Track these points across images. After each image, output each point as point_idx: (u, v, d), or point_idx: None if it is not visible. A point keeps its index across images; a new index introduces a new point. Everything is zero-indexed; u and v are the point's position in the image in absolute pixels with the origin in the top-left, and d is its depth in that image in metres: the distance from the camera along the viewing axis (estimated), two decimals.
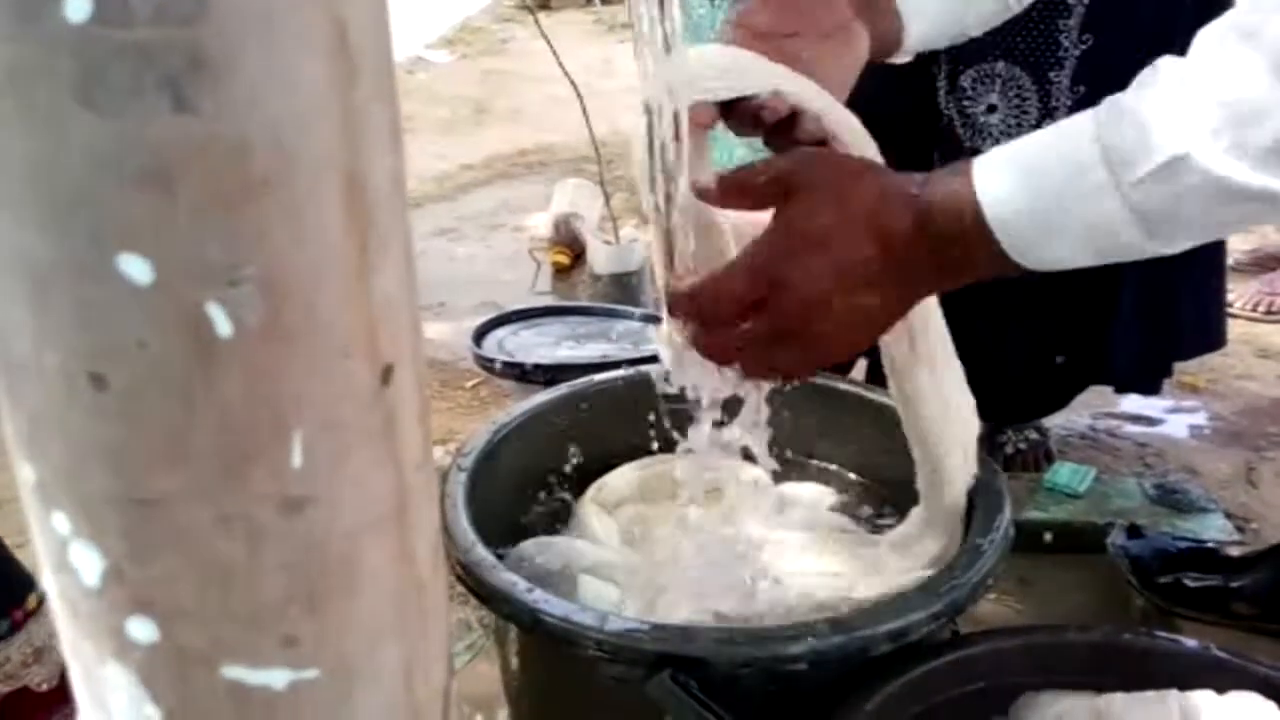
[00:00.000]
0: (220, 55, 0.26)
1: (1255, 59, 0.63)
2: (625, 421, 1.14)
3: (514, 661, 0.97)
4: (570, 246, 2.48)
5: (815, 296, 0.73)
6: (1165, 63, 0.68)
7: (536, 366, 1.56)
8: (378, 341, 0.31)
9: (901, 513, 1.02)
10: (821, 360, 0.78)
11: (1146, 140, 0.64)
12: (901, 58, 0.95)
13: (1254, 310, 2.12)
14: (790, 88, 0.80)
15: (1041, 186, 0.68)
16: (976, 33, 0.99)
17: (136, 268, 0.27)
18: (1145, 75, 0.68)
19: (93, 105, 0.25)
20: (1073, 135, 0.68)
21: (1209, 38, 0.67)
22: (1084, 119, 0.68)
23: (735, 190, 0.77)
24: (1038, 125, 1.33)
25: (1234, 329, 2.00)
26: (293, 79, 0.27)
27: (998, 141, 1.34)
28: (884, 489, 1.13)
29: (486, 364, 1.62)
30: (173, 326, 0.27)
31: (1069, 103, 1.31)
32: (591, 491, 1.11)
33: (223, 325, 0.27)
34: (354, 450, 0.31)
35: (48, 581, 0.32)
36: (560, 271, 2.46)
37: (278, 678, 0.31)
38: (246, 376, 0.28)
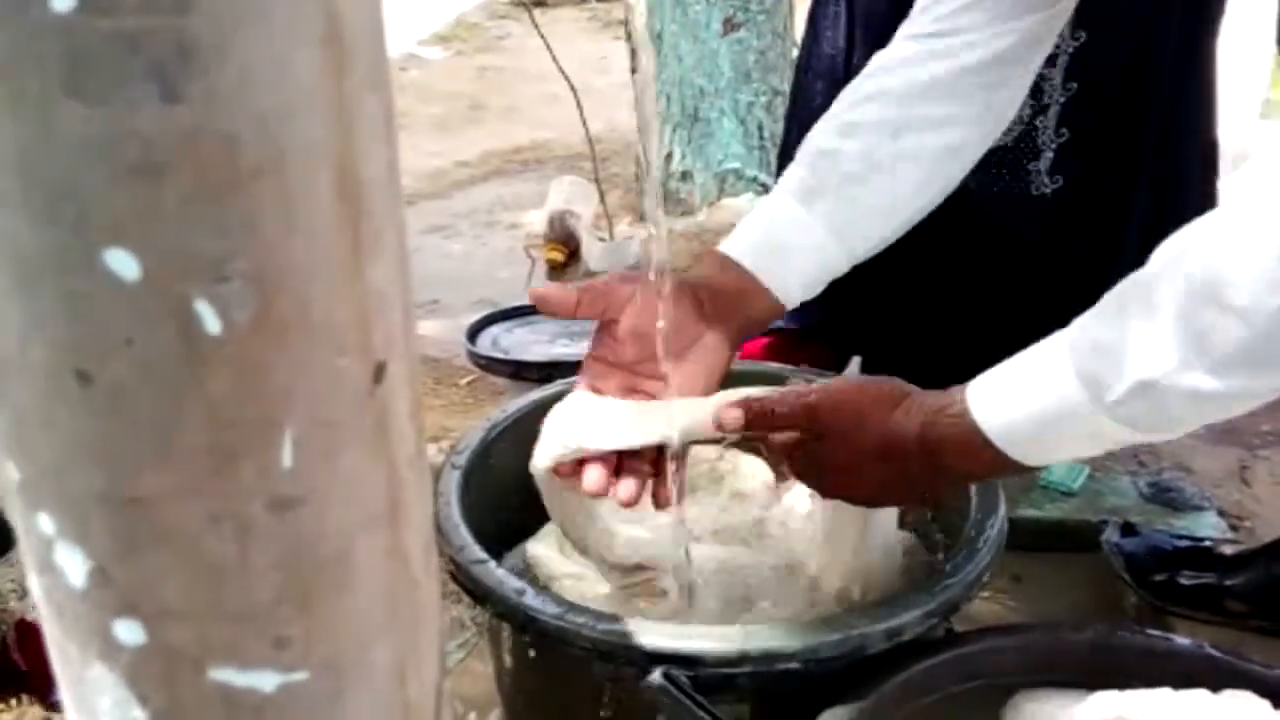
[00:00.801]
0: (209, 44, 0.25)
1: (1204, 282, 0.67)
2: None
3: (507, 660, 0.96)
4: (565, 243, 2.47)
5: (843, 492, 0.88)
6: (1128, 287, 0.72)
7: (531, 364, 1.56)
8: (370, 338, 0.30)
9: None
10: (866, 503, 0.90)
11: (1118, 368, 0.69)
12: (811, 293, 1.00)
13: None
14: (638, 441, 0.87)
15: (1034, 411, 0.74)
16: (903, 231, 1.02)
17: (123, 262, 0.26)
18: (1110, 300, 0.73)
19: (80, 95, 0.25)
20: (1052, 364, 0.74)
21: (1166, 255, 0.71)
22: (1060, 347, 0.74)
23: (761, 421, 0.85)
24: (1030, 123, 1.33)
25: None
26: (283, 68, 0.26)
27: None
28: None
29: (481, 361, 1.62)
30: (160, 322, 0.27)
31: (1061, 99, 1.31)
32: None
33: (211, 321, 0.27)
34: (345, 448, 0.30)
35: (33, 582, 0.32)
36: (555, 269, 2.45)
37: (267, 680, 0.31)
38: (236, 373, 0.28)
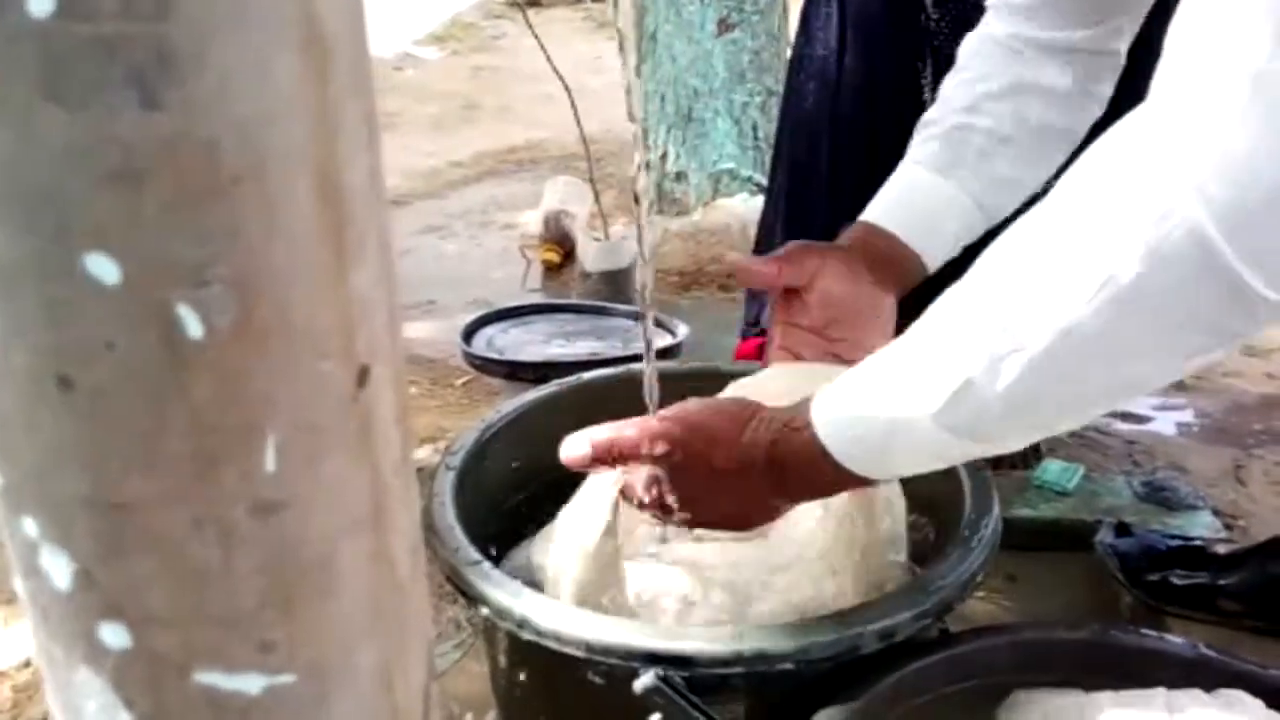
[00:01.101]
0: (188, 50, 0.25)
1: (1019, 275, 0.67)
2: (620, 419, 1.14)
3: (502, 660, 0.96)
4: (560, 244, 2.47)
5: (701, 515, 0.86)
6: (951, 294, 0.72)
7: (526, 364, 1.56)
8: (354, 342, 0.30)
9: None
10: (727, 529, 0.92)
11: (941, 370, 0.69)
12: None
13: None
14: None
15: (871, 427, 0.74)
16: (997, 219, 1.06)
17: (104, 267, 0.26)
18: (935, 307, 0.73)
19: (58, 100, 0.25)
20: (885, 374, 0.74)
21: (990, 260, 0.71)
22: (892, 354, 0.74)
23: (610, 456, 0.84)
24: None
25: None
26: (264, 74, 0.26)
27: None
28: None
29: (476, 362, 1.62)
30: (141, 327, 0.27)
31: None
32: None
33: (193, 326, 0.27)
34: (329, 453, 0.30)
35: (19, 585, 0.32)
36: (550, 269, 2.46)
37: (253, 683, 0.31)
38: (218, 378, 0.28)
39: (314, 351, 0.29)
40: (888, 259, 0.99)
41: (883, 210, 1.02)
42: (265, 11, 0.26)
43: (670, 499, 0.83)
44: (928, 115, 1.07)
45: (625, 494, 0.87)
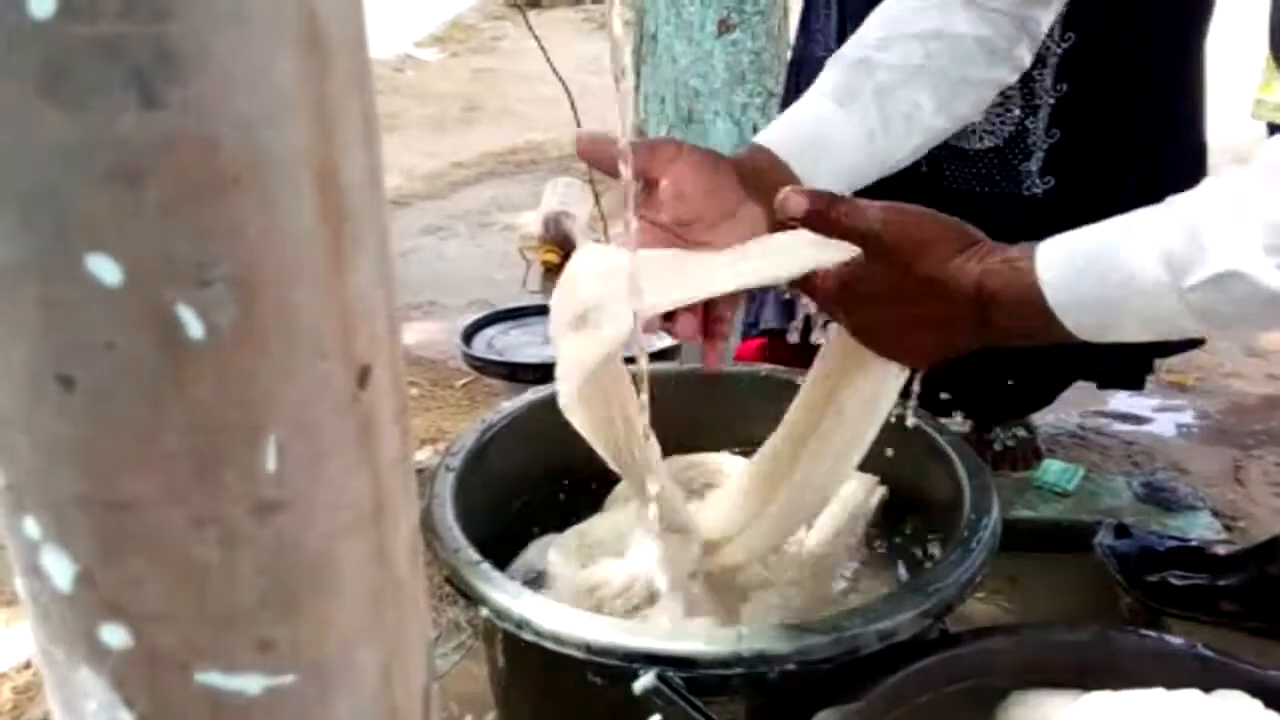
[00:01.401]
0: (189, 49, 0.25)
1: None
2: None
3: (502, 662, 0.96)
4: (560, 245, 2.47)
5: (881, 329, 0.84)
6: (1228, 176, 0.72)
7: (526, 365, 1.56)
8: (354, 342, 0.30)
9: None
10: (886, 355, 0.87)
11: (1203, 252, 0.69)
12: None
13: None
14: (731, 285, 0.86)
15: (1104, 280, 0.73)
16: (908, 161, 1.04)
17: (105, 267, 0.26)
18: (1208, 185, 0.73)
19: (59, 101, 0.25)
20: (1135, 233, 0.73)
21: (1273, 152, 0.71)
22: (1145, 219, 0.73)
23: (819, 216, 0.81)
24: (1020, 124, 1.33)
25: None
26: (263, 72, 0.26)
27: (980, 138, 1.34)
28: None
29: (476, 363, 1.62)
30: (142, 327, 0.27)
31: (1051, 100, 1.31)
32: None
33: (193, 326, 0.27)
34: (329, 453, 0.30)
35: (19, 585, 0.32)
36: (550, 270, 2.46)
37: (253, 682, 0.31)
38: (218, 378, 0.28)
39: (314, 351, 0.29)
40: (764, 173, 0.95)
41: (774, 133, 1.00)
42: (265, 10, 0.26)
43: (858, 289, 0.82)
44: (842, 48, 1.05)
45: (808, 285, 0.85)
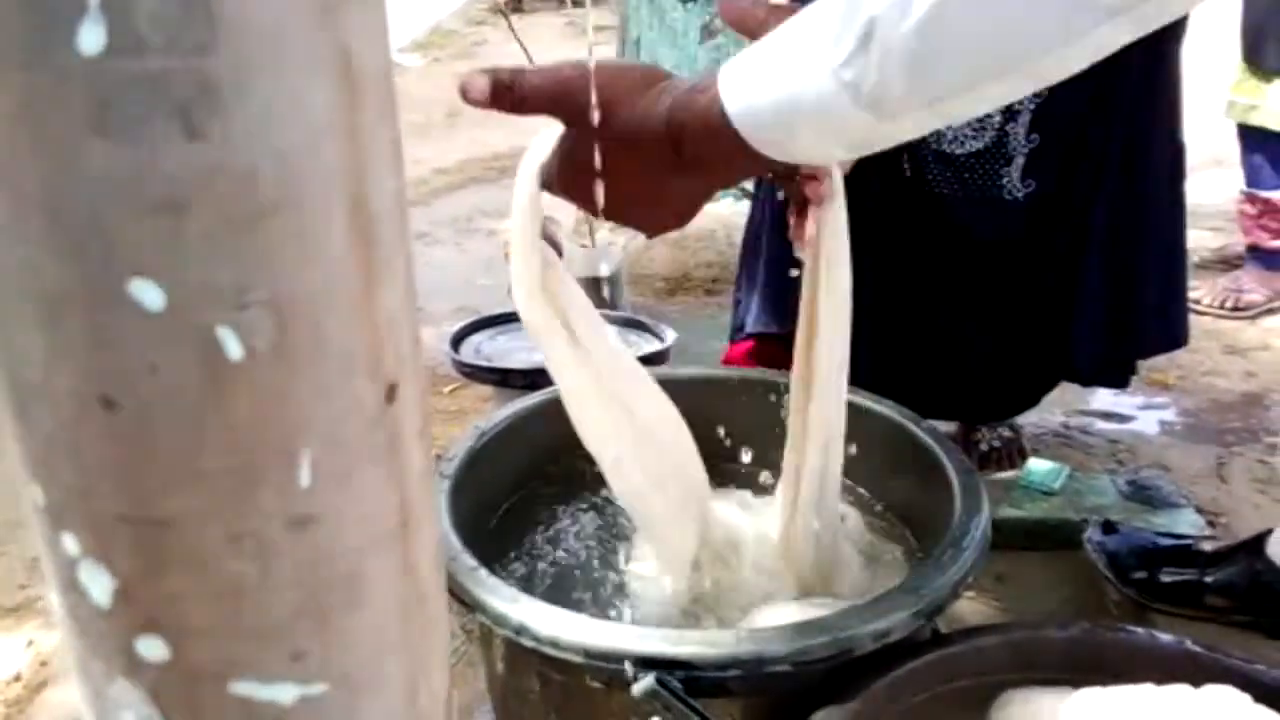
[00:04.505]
0: (230, 83, 0.26)
1: None
2: None
3: (499, 666, 0.97)
4: None
5: (614, 196, 0.79)
6: None
7: (515, 371, 1.57)
8: (382, 360, 0.31)
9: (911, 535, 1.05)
10: (650, 228, 0.84)
11: (854, 16, 0.64)
12: None
13: (1221, 307, 2.15)
14: None
15: (776, 76, 0.69)
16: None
17: (148, 293, 0.27)
18: None
19: (106, 134, 0.26)
20: (805, 21, 0.69)
21: None
22: (810, 13, 0.68)
23: (504, 95, 0.78)
24: (1001, 129, 1.34)
25: (1202, 326, 2.03)
26: (300, 105, 0.27)
27: (963, 143, 1.36)
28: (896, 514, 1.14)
29: (465, 369, 1.62)
30: (184, 350, 0.28)
31: (1031, 106, 1.32)
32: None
33: (233, 348, 0.28)
34: (359, 468, 0.31)
35: (56, 601, 0.32)
36: None
37: (286, 693, 0.32)
38: (255, 398, 0.29)
39: (345, 370, 0.30)
40: None
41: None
42: (301, 45, 0.27)
43: (574, 162, 0.78)
44: None
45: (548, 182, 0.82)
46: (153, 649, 0.31)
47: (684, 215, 0.81)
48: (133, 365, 0.28)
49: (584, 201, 0.80)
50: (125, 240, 0.27)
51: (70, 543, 0.30)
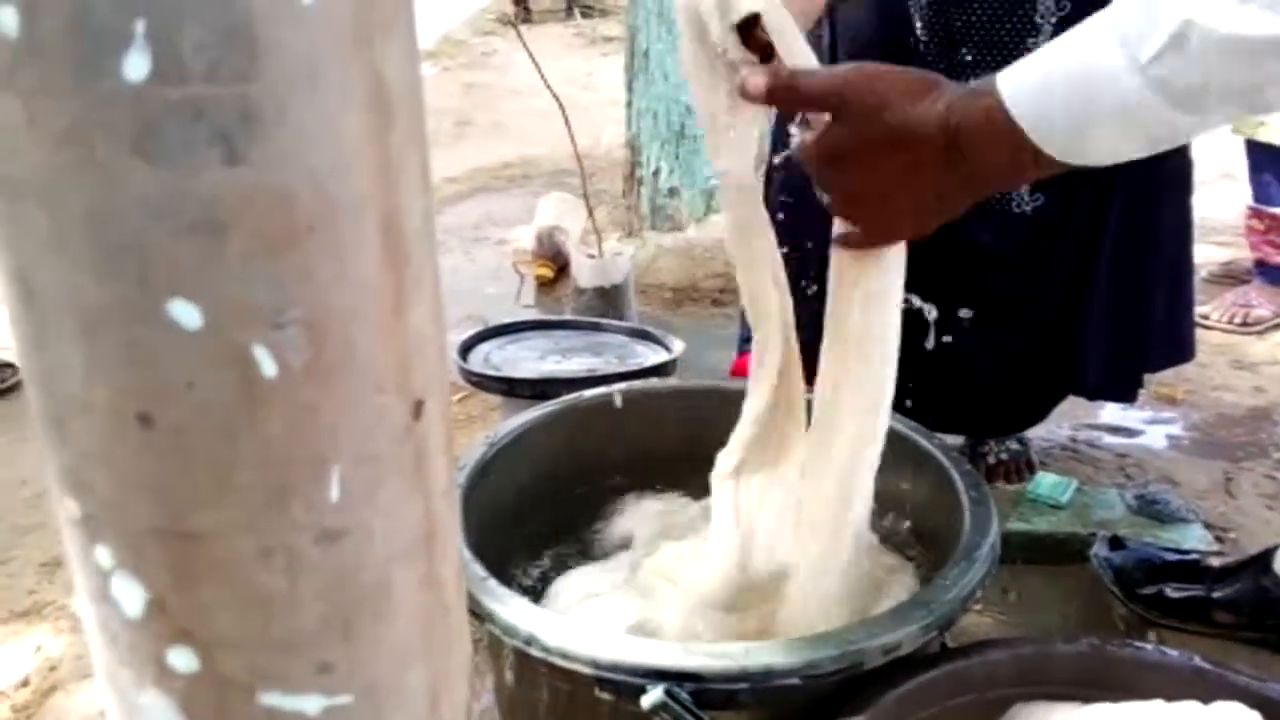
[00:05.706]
0: (269, 109, 0.27)
1: None
2: (619, 436, 1.16)
3: (509, 676, 0.97)
4: (554, 260, 2.49)
5: (863, 195, 0.82)
6: None
7: (524, 381, 1.57)
8: (410, 377, 0.32)
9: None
10: (879, 234, 0.86)
11: (1155, 19, 0.66)
12: None
13: (1229, 322, 2.16)
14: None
15: (1065, 80, 0.70)
16: None
17: (186, 312, 0.27)
18: None
19: (148, 158, 0.26)
20: (1089, 27, 0.70)
21: None
22: (1098, 15, 0.70)
23: (785, 92, 0.82)
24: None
25: (1209, 341, 2.03)
26: (336, 129, 0.28)
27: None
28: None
29: (474, 379, 1.63)
30: (220, 368, 0.28)
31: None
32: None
33: (268, 366, 0.28)
34: (387, 482, 0.32)
35: (86, 612, 0.33)
36: (544, 285, 2.47)
37: (312, 704, 0.32)
38: (289, 414, 0.29)
39: (375, 386, 0.31)
40: None
41: None
42: (336, 72, 0.28)
43: (833, 153, 0.80)
44: None
45: (795, 158, 0.84)
46: (183, 660, 0.31)
47: (925, 224, 0.83)
48: (170, 382, 0.28)
49: (833, 196, 0.84)
50: (164, 260, 0.27)
51: (104, 555, 0.31)
